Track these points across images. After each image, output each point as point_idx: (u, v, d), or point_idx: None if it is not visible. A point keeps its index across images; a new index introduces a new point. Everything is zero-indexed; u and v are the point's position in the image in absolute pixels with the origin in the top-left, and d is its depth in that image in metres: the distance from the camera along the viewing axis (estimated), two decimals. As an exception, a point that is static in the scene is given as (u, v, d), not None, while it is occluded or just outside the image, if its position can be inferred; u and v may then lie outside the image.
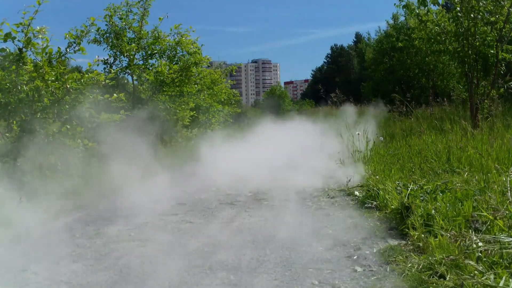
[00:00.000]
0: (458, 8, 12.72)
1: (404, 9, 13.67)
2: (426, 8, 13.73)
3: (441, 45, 14.91)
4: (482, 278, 2.97)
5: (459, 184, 5.60)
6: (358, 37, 66.07)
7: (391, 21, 25.35)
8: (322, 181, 8.03)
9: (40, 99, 7.07)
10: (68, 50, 7.89)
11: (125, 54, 12.19)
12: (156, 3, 12.34)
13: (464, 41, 13.29)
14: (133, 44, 12.12)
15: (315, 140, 14.47)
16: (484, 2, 12.42)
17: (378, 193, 5.73)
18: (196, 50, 13.07)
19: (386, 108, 17.50)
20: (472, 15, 12.66)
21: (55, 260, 4.20)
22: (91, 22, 8.87)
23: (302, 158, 10.72)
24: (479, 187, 5.33)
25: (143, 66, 12.56)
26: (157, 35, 12.52)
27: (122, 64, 12.46)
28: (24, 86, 7.00)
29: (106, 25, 12.06)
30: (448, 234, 3.84)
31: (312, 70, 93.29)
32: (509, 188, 4.52)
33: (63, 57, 7.71)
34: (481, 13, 12.68)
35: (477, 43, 13.18)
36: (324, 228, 5.05)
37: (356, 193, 6.63)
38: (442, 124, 10.92)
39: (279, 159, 10.67)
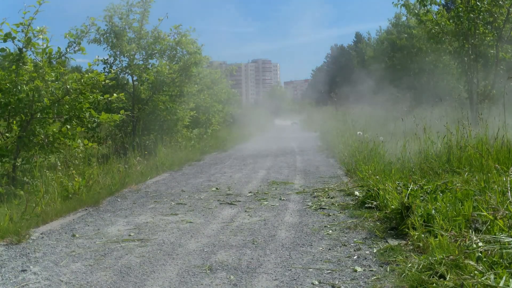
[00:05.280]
0: (460, 8, 12.73)
1: (403, 8, 13.71)
2: (426, 8, 13.75)
3: (440, 45, 14.92)
4: (482, 278, 2.97)
5: (459, 184, 5.59)
6: (358, 37, 66.06)
7: (393, 20, 25.42)
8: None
9: (40, 99, 7.07)
10: (68, 50, 7.90)
11: (125, 54, 12.20)
12: (156, 3, 12.36)
13: (464, 41, 13.31)
14: (133, 44, 12.12)
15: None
16: (485, 2, 12.45)
17: (378, 193, 5.73)
18: (196, 50, 13.08)
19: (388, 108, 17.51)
20: (472, 15, 12.68)
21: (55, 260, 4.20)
22: (91, 22, 8.88)
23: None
24: (479, 187, 5.32)
25: (143, 66, 12.56)
26: (157, 35, 12.53)
27: (122, 64, 12.49)
28: (24, 86, 7.00)
29: (106, 25, 12.09)
30: (448, 234, 3.83)
31: (312, 70, 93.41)
32: (509, 188, 4.52)
33: (63, 57, 7.72)
34: (481, 13, 12.70)
35: (477, 43, 13.20)
36: (324, 228, 5.05)
37: (356, 193, 6.62)
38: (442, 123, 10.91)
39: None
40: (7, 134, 7.07)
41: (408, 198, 4.96)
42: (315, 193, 7.08)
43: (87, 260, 4.17)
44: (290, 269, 3.78)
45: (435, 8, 14.04)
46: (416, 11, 13.82)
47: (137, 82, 12.68)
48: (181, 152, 12.70)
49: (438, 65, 19.83)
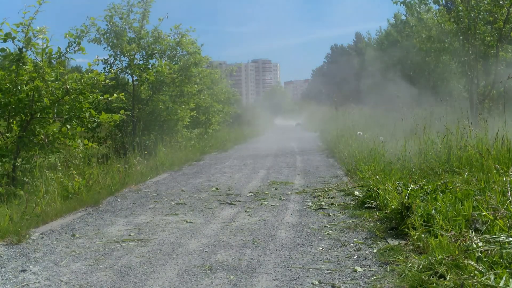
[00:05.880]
0: (460, 8, 12.74)
1: (403, 6, 13.73)
2: (427, 7, 13.77)
3: (441, 44, 14.92)
4: (482, 278, 2.97)
5: (459, 184, 5.59)
6: (358, 37, 66.07)
7: (392, 20, 25.43)
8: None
9: (40, 99, 7.06)
10: (68, 50, 7.90)
11: (125, 54, 12.20)
12: (156, 3, 12.37)
13: (464, 41, 13.31)
14: (133, 44, 12.12)
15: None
16: (485, 1, 12.45)
17: (378, 193, 5.72)
18: (196, 50, 13.08)
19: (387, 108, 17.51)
20: (472, 15, 12.69)
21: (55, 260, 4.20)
22: (91, 21, 8.88)
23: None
24: (479, 187, 5.32)
25: (143, 66, 12.56)
26: (157, 35, 12.53)
27: (122, 64, 12.49)
28: (24, 86, 6.99)
29: (106, 25, 12.09)
30: (448, 234, 3.83)
31: (312, 70, 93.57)
32: (509, 188, 4.52)
33: (63, 57, 7.71)
34: (481, 13, 12.71)
35: (477, 43, 13.20)
36: (324, 228, 5.05)
37: (356, 193, 6.62)
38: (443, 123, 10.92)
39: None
40: (7, 134, 7.07)
41: (408, 198, 4.96)
42: (315, 193, 7.08)
43: (87, 260, 4.17)
44: (290, 269, 3.78)
45: (435, 8, 14.07)
46: (417, 9, 13.82)
47: (137, 82, 12.68)
48: (181, 152, 12.70)
49: (438, 65, 19.82)
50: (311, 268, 3.78)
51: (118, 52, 12.29)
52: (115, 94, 7.98)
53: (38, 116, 7.19)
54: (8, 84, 6.92)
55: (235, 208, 6.28)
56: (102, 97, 7.77)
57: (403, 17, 23.27)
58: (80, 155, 8.18)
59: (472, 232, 3.78)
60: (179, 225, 5.40)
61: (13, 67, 6.99)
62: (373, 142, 9.96)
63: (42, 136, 7.07)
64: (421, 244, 3.95)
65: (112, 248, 4.51)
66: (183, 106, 13.58)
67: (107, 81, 8.07)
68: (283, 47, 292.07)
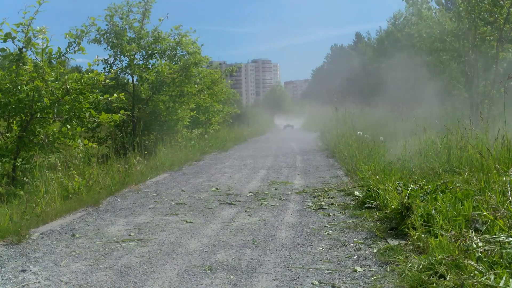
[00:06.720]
0: (461, 8, 12.76)
1: (402, 6, 13.85)
2: (428, 5, 13.83)
3: (442, 44, 14.95)
4: (482, 278, 2.97)
5: (459, 184, 5.59)
6: (358, 37, 66.13)
7: (392, 21, 25.47)
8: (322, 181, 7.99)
9: (40, 99, 7.06)
10: (68, 50, 7.90)
11: (126, 54, 12.20)
12: (156, 4, 12.37)
13: (465, 41, 13.33)
14: (134, 44, 12.12)
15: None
16: (485, 2, 12.48)
17: (378, 193, 5.73)
18: (196, 50, 13.09)
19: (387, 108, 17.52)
20: (472, 15, 12.71)
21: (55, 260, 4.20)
22: (91, 22, 8.87)
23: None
24: (479, 187, 5.32)
25: (143, 66, 12.56)
26: (157, 35, 12.53)
27: (123, 64, 12.50)
28: (24, 86, 6.99)
29: (106, 25, 12.11)
30: (448, 234, 3.83)
31: (312, 70, 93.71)
32: (509, 188, 4.51)
33: (63, 57, 7.71)
34: (481, 13, 12.73)
35: (478, 43, 13.21)
36: (324, 228, 5.05)
37: (356, 193, 6.62)
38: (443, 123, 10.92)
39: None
40: (7, 134, 7.07)
41: (408, 198, 4.96)
42: (315, 193, 7.08)
43: (87, 260, 4.17)
44: (290, 269, 3.78)
45: (436, 7, 14.11)
46: (418, 7, 13.85)
47: (137, 82, 12.68)
48: (181, 152, 12.70)
49: (439, 65, 19.80)
50: (311, 268, 3.78)
51: (118, 52, 12.30)
52: (115, 94, 7.98)
53: (38, 116, 7.19)
54: (8, 84, 6.92)
55: (235, 208, 6.28)
56: (102, 97, 7.77)
57: (402, 18, 23.30)
58: (80, 155, 8.18)
59: (472, 232, 3.78)
60: (179, 225, 5.40)
61: (13, 67, 6.99)
62: (373, 142, 9.96)
63: (42, 136, 7.07)
64: (421, 244, 3.95)
65: (112, 248, 4.51)
66: (183, 106, 13.58)
67: (107, 81, 8.06)
68: (283, 47, 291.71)
